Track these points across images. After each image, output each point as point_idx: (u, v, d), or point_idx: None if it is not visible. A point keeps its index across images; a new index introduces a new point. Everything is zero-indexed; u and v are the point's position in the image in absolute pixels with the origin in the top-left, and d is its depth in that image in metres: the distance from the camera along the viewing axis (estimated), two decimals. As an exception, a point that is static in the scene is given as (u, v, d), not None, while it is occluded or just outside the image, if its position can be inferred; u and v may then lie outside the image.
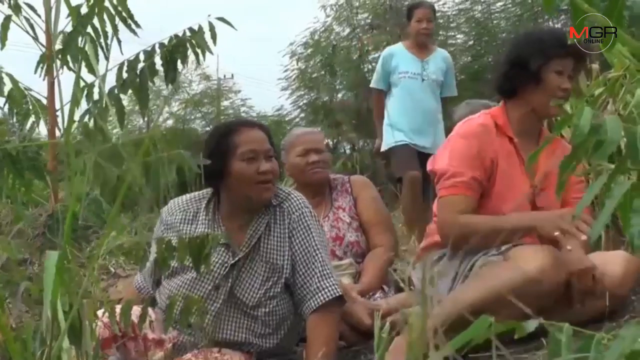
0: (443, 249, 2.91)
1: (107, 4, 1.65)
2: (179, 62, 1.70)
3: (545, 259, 2.49)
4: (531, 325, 1.10)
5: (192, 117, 14.20)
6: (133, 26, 1.66)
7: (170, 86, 1.73)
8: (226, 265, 2.72)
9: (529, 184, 2.87)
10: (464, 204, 2.80)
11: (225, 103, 14.55)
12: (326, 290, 2.67)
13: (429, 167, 3.03)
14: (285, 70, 12.02)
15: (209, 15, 1.70)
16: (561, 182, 1.22)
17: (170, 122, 14.22)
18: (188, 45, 1.68)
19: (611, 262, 2.59)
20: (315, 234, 2.77)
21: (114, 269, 5.05)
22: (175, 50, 1.64)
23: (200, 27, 1.68)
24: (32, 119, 1.56)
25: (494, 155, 2.86)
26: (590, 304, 2.52)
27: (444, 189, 2.84)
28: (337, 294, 2.68)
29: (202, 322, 2.66)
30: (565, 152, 2.88)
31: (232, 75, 14.50)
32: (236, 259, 2.72)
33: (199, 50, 1.74)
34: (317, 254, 2.72)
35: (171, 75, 1.68)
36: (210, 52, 1.74)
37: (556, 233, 2.54)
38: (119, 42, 1.59)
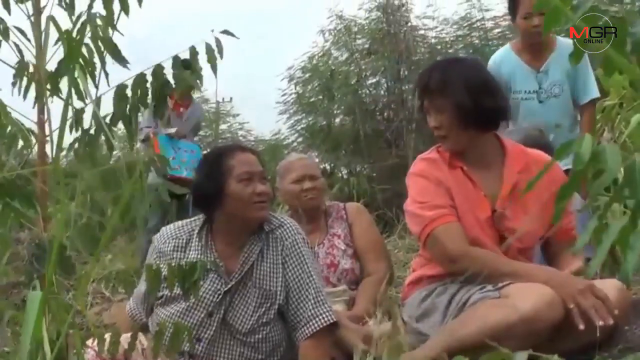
0: (431, 284, 2.89)
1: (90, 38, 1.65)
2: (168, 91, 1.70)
3: (541, 298, 2.48)
4: (520, 357, 1.09)
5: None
6: (120, 59, 1.66)
7: (159, 119, 1.73)
8: (219, 292, 2.71)
9: (489, 207, 2.88)
10: (459, 230, 2.80)
11: (223, 126, 14.59)
12: (321, 317, 2.67)
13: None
14: (283, 95, 12.05)
15: (212, 30, 1.70)
16: (558, 211, 1.20)
17: (168, 145, 14.20)
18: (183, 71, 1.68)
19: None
20: (309, 260, 2.77)
21: (108, 293, 5.05)
22: (165, 84, 1.64)
23: (208, 44, 1.67)
24: (20, 143, 1.56)
25: (448, 186, 2.88)
26: (582, 334, 2.49)
27: (430, 224, 2.82)
28: (331, 321, 2.68)
29: (193, 349, 2.66)
30: (534, 167, 2.88)
31: (231, 98, 14.54)
32: (229, 286, 2.72)
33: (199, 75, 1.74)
34: (310, 281, 2.72)
35: (161, 110, 1.68)
36: (198, 76, 1.73)
37: (571, 306, 2.50)
38: (106, 74, 1.59)
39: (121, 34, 1.64)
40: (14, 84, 1.59)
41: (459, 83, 2.84)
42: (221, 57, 1.78)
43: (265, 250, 2.78)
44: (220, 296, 2.71)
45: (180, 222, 2.91)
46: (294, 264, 2.75)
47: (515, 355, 1.05)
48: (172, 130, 6.92)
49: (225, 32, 1.80)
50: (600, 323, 2.42)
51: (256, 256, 2.76)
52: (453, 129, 2.87)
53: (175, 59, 1.67)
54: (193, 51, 1.72)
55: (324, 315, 2.68)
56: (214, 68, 1.78)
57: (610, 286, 2.63)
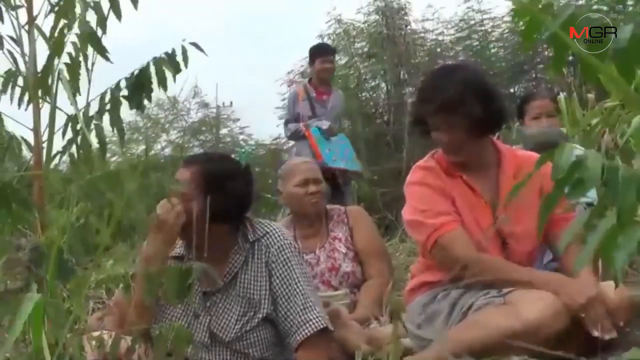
0: (432, 290, 2.86)
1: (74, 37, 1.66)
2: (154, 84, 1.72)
3: (545, 307, 2.46)
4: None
5: (191, 145, 14.19)
6: (104, 53, 1.67)
7: (137, 110, 1.75)
8: (198, 293, 2.70)
9: (490, 214, 2.85)
10: (464, 236, 2.76)
11: (224, 131, 14.54)
12: (310, 323, 2.64)
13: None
14: (284, 99, 12.04)
15: (183, 40, 1.72)
16: (540, 225, 1.20)
17: (168, 150, 14.22)
18: (163, 66, 1.69)
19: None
20: (296, 267, 2.73)
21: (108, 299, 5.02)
22: (142, 76, 1.65)
23: (173, 50, 1.69)
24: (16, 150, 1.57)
25: (450, 194, 2.84)
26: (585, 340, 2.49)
27: (435, 232, 2.77)
28: (321, 326, 2.65)
29: (197, 355, 2.65)
30: (525, 169, 2.85)
31: (231, 103, 14.49)
32: (209, 289, 2.70)
33: (171, 70, 1.76)
34: (298, 287, 2.69)
35: (136, 100, 1.69)
36: (174, 75, 1.75)
37: (582, 315, 2.48)
38: (88, 71, 1.60)
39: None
40: (3, 91, 1.59)
41: (469, 96, 2.76)
42: (186, 65, 1.82)
43: (250, 259, 2.74)
44: (199, 297, 2.70)
45: None
46: (281, 271, 2.72)
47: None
48: (325, 126, 6.83)
49: (194, 44, 1.84)
50: (596, 334, 2.44)
51: (240, 266, 2.74)
52: (466, 142, 2.83)
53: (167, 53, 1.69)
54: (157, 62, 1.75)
55: (313, 322, 2.65)
56: (174, 74, 1.81)
57: (610, 289, 2.61)
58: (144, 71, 1.69)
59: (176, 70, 1.77)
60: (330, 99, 7.12)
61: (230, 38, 22.03)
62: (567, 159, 1.04)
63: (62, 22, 1.58)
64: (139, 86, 1.67)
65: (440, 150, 2.97)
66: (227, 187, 2.70)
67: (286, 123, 7.16)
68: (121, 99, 1.69)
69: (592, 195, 3.51)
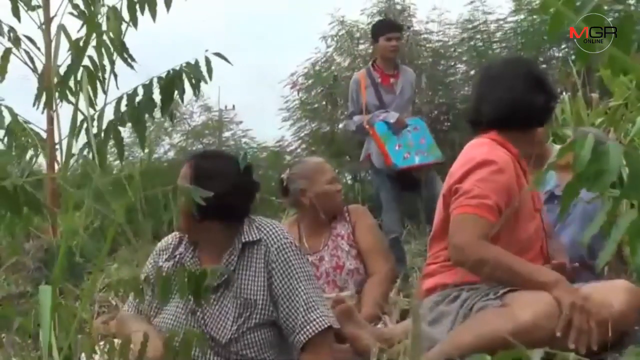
0: (445, 290, 2.84)
1: (104, 37, 1.68)
2: (175, 94, 1.74)
3: (541, 307, 2.48)
4: (536, 355, 1.10)
5: (194, 148, 14.19)
6: (130, 60, 1.68)
7: (167, 118, 1.77)
8: None
9: (534, 209, 2.88)
10: (485, 228, 2.69)
11: (227, 134, 14.55)
12: (313, 323, 2.62)
13: (449, 180, 2.88)
14: (286, 101, 12.06)
15: (206, 50, 1.73)
16: (563, 210, 1.20)
17: (171, 153, 14.23)
18: (184, 77, 1.71)
19: (614, 293, 2.56)
20: (297, 266, 2.70)
21: (115, 302, 5.02)
22: (171, 83, 1.66)
23: (196, 61, 1.70)
24: (30, 152, 1.57)
25: (516, 187, 2.80)
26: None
27: (468, 207, 2.70)
28: (325, 326, 2.63)
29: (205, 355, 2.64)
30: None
31: (233, 106, 14.49)
32: None
33: (194, 81, 1.77)
34: (299, 287, 2.67)
35: (167, 107, 1.70)
36: (206, 82, 1.76)
37: (565, 312, 2.48)
38: (115, 76, 1.61)
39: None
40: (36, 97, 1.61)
41: None
42: (210, 77, 1.83)
43: (249, 259, 2.72)
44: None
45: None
46: (281, 272, 2.68)
47: (533, 353, 1.05)
48: (392, 118, 5.69)
49: (217, 54, 1.85)
50: (572, 346, 2.42)
51: (234, 266, 2.70)
52: None
53: (188, 63, 1.71)
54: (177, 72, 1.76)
55: (316, 322, 2.63)
56: (196, 87, 1.83)
57: (619, 287, 2.62)
58: (171, 81, 1.71)
59: (198, 82, 1.79)
60: (399, 82, 5.95)
61: (231, 38, 22.04)
62: (589, 150, 1.04)
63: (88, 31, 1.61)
64: (169, 94, 1.69)
65: (491, 139, 2.93)
66: (207, 183, 2.59)
67: (351, 116, 6.10)
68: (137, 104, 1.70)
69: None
